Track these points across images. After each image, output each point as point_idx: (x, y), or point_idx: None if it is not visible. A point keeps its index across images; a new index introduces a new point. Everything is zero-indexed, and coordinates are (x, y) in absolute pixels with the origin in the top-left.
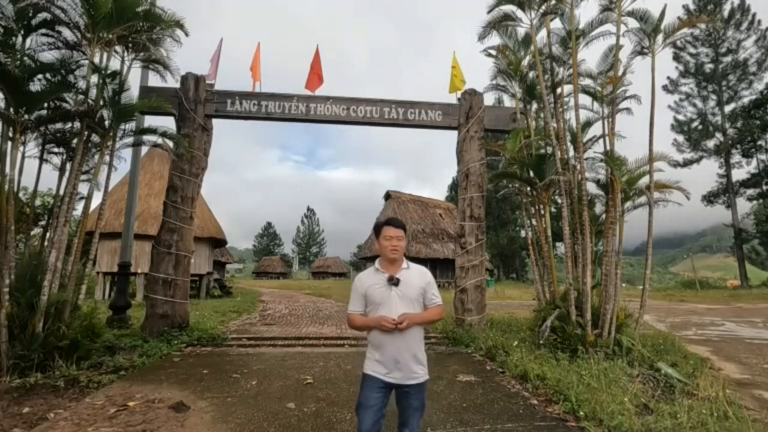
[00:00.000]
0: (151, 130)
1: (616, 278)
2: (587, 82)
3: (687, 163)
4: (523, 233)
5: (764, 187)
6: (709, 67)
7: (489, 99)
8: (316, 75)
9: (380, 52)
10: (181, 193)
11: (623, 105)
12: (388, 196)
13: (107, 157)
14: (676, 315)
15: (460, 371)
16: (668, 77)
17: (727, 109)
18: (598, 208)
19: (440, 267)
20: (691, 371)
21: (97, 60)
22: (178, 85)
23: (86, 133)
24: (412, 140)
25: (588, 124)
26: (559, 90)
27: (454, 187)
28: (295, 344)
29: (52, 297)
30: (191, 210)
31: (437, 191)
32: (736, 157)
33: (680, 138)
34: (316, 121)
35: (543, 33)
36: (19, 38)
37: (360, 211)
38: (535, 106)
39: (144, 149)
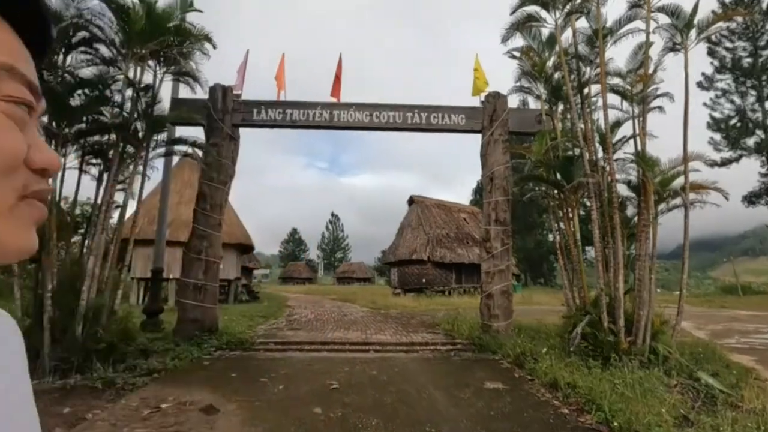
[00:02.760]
0: (182, 140)
1: (650, 283)
2: (616, 80)
3: (725, 163)
4: (550, 237)
5: None
6: (747, 61)
7: (513, 101)
8: (340, 82)
9: (400, 60)
10: (210, 201)
11: (654, 104)
12: (411, 201)
13: (141, 167)
14: (716, 322)
15: (487, 378)
16: (703, 73)
17: None
18: (630, 210)
19: (465, 272)
20: (735, 381)
21: (131, 74)
22: (206, 96)
23: (121, 144)
24: (433, 145)
25: (617, 124)
26: (586, 90)
27: (478, 191)
28: (320, 349)
29: (90, 302)
30: (219, 217)
31: (460, 196)
32: None
33: (717, 136)
34: (339, 127)
35: (568, 33)
36: (61, 56)
37: (383, 216)
38: (560, 107)
39: (176, 159)
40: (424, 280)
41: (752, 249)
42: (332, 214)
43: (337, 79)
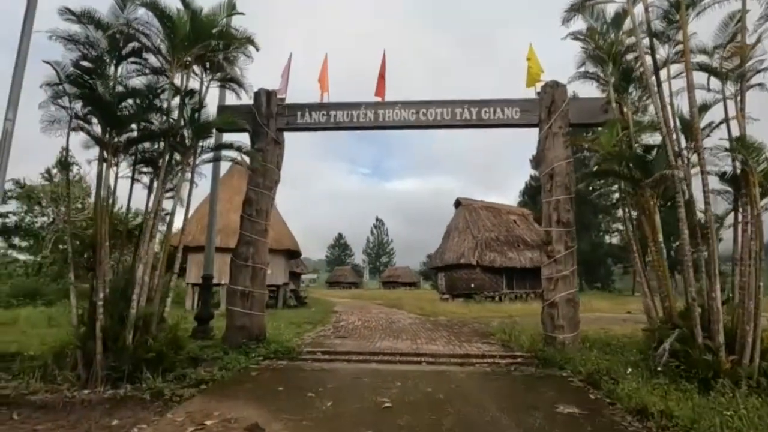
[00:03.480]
0: (227, 146)
1: (757, 291)
2: (700, 58)
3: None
4: (607, 239)
5: None
6: None
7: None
8: (384, 81)
9: (442, 60)
10: (256, 207)
11: (754, 80)
12: (458, 203)
13: (189, 174)
14: None
15: (559, 400)
16: (757, 69)
17: None
18: (722, 206)
19: (516, 277)
20: None
21: (177, 82)
22: (251, 102)
23: (169, 150)
24: (477, 146)
25: (704, 107)
26: (663, 72)
27: (526, 191)
28: (369, 360)
29: (140, 310)
30: (266, 223)
31: (507, 198)
32: None
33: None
34: (385, 127)
35: (638, 8)
36: (111, 68)
37: (428, 220)
38: (632, 93)
39: (225, 167)
40: (472, 285)
41: None
42: (377, 219)
43: (381, 77)
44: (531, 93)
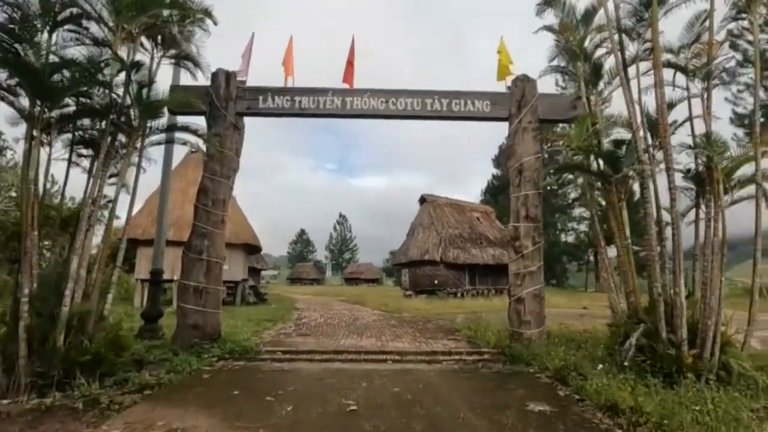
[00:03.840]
0: (179, 128)
1: (720, 286)
2: (666, 57)
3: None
4: (563, 237)
5: None
6: None
7: (542, 86)
8: (353, 68)
9: (416, 50)
10: (212, 196)
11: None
12: (423, 200)
13: (136, 158)
14: (760, 328)
15: (529, 398)
16: (724, 68)
17: None
18: (685, 202)
19: (479, 274)
20: None
21: (124, 56)
22: (208, 84)
23: (111, 130)
24: (443, 145)
25: (670, 105)
26: (632, 69)
27: (488, 190)
28: (333, 359)
29: (74, 307)
30: (222, 213)
31: (469, 196)
32: None
33: (740, 132)
34: (353, 115)
35: (609, 5)
36: (45, 35)
37: (392, 216)
38: (601, 89)
39: (179, 156)
40: (436, 282)
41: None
42: (340, 215)
43: (350, 64)
44: (502, 87)
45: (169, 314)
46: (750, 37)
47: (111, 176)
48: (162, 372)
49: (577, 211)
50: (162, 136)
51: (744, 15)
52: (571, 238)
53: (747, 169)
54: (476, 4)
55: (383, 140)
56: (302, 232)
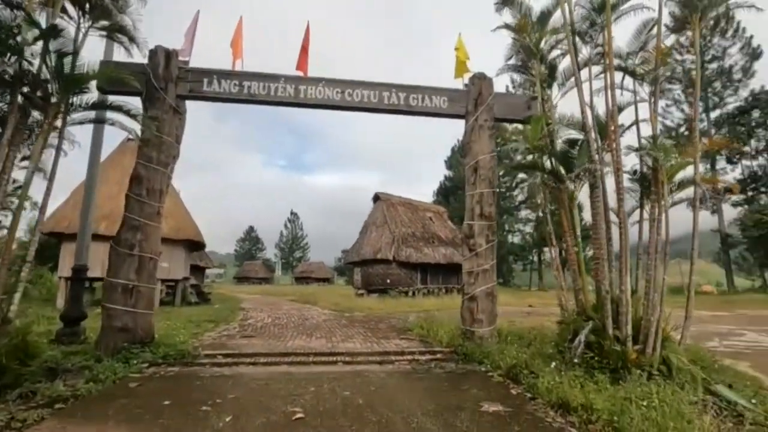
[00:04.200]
0: (108, 106)
1: (663, 284)
2: (617, 61)
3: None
4: (510, 238)
5: (749, 194)
6: (695, 73)
7: (500, 84)
8: (307, 55)
9: (377, 42)
10: (147, 185)
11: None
12: (377, 198)
13: (56, 140)
14: (676, 320)
15: (483, 398)
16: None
17: (713, 115)
18: (630, 203)
19: (431, 273)
20: (752, 395)
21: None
22: (146, 61)
23: (23, 105)
24: (396, 145)
25: (619, 109)
26: (584, 72)
27: (440, 191)
28: (279, 362)
29: None
30: (158, 205)
31: (422, 196)
32: (721, 164)
33: (668, 143)
34: (306, 105)
35: (558, 14)
36: None
37: (345, 215)
38: (555, 91)
39: (114, 141)
40: (388, 281)
41: (685, 251)
42: (291, 212)
43: (304, 50)
44: (459, 85)
45: (97, 316)
46: (677, 56)
47: (24, 159)
48: (80, 382)
49: (524, 213)
50: (87, 115)
51: (687, 26)
52: (517, 239)
53: (682, 174)
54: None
55: (337, 138)
56: (251, 229)
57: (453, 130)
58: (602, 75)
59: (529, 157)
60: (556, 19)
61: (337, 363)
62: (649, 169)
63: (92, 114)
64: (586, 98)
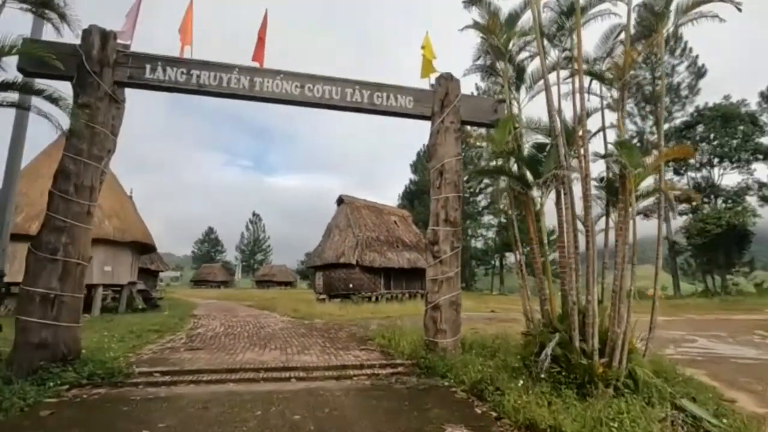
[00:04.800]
0: (19, 86)
1: (630, 295)
2: (584, 66)
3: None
4: (473, 242)
5: (693, 203)
6: (647, 88)
7: (469, 85)
8: (264, 45)
9: (338, 37)
10: (76, 181)
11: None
12: (341, 201)
13: None
14: (639, 329)
15: (446, 419)
16: (611, 96)
17: (664, 128)
18: (595, 210)
19: (394, 277)
20: (715, 408)
21: None
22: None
23: None
24: (361, 148)
25: (587, 114)
26: (552, 75)
27: (406, 195)
28: (225, 379)
29: None
30: (89, 204)
31: (386, 200)
32: (668, 174)
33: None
34: (261, 99)
35: (527, 16)
36: None
37: (308, 218)
38: (523, 94)
39: (49, 135)
40: (351, 286)
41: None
42: (253, 214)
43: (261, 40)
44: (426, 85)
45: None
46: (631, 72)
47: None
48: None
49: (486, 218)
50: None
51: (653, 33)
52: (480, 244)
53: (645, 183)
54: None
55: (302, 140)
56: (210, 230)
57: (419, 134)
58: (570, 79)
59: (494, 162)
60: (525, 21)
61: (291, 380)
62: (615, 176)
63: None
64: (554, 102)
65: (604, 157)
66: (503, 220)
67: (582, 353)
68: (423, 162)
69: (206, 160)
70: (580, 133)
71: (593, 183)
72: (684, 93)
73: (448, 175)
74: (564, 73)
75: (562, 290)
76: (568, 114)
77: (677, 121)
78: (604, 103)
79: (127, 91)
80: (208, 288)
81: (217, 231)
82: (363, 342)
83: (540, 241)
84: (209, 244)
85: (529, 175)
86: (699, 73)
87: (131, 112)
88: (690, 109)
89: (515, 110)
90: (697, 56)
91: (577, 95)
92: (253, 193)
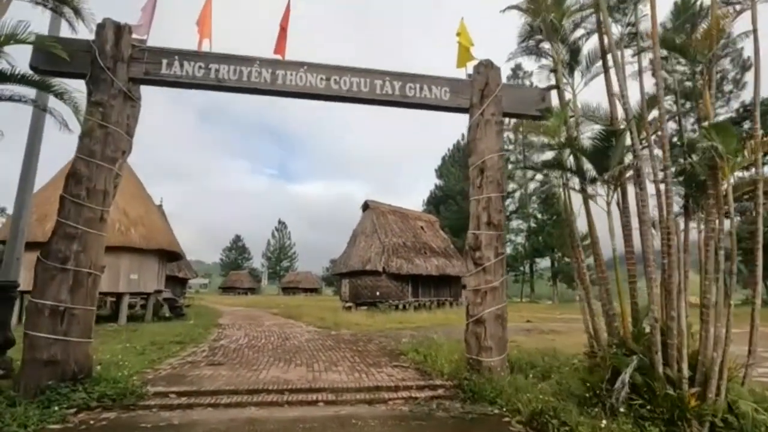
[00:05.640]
0: (19, 78)
1: (729, 311)
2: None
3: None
4: None
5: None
6: (687, 84)
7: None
8: (286, 36)
9: (371, 25)
10: (88, 185)
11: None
12: (366, 206)
13: None
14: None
15: None
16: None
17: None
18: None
19: (422, 285)
20: None
21: None
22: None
23: None
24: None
25: (653, 100)
26: (609, 56)
27: (431, 200)
28: (246, 402)
29: None
30: (102, 209)
31: (411, 206)
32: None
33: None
34: (284, 93)
35: None
36: None
37: (333, 224)
38: (577, 79)
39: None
40: (378, 293)
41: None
42: (279, 221)
43: (283, 31)
44: (462, 75)
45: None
46: (668, 67)
47: None
48: None
49: (515, 224)
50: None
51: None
52: (509, 250)
53: None
54: None
55: (325, 147)
56: (237, 238)
57: (443, 139)
58: (634, 58)
59: (546, 156)
60: None
61: (318, 403)
62: (703, 165)
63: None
64: (615, 86)
65: (688, 146)
66: (533, 224)
67: (667, 381)
68: (448, 167)
69: (233, 168)
70: (652, 117)
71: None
72: (728, 88)
73: (490, 173)
74: (628, 53)
75: (632, 304)
76: (634, 99)
77: (720, 118)
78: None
79: (160, 104)
80: (236, 295)
81: (244, 238)
82: (395, 357)
83: (595, 247)
84: (236, 252)
85: (590, 169)
86: (744, 65)
87: (163, 124)
88: (735, 104)
89: (568, 97)
90: (742, 48)
91: (659, 70)
92: (278, 201)
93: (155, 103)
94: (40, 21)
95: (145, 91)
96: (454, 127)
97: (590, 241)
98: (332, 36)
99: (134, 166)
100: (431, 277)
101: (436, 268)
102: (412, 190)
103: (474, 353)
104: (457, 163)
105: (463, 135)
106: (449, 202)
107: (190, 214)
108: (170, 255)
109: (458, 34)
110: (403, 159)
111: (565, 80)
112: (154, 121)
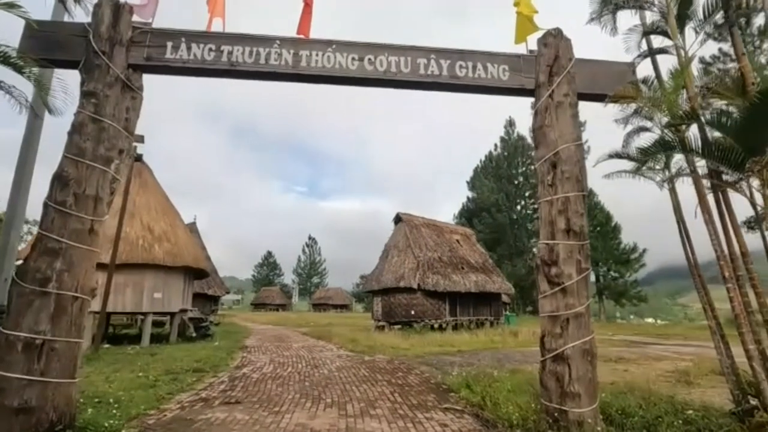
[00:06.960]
0: None
1: None
2: None
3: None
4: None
5: None
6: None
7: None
8: (311, 14)
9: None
10: (76, 189)
11: None
12: (398, 219)
13: None
14: None
15: None
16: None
17: None
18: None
19: (460, 303)
20: None
21: None
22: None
23: None
24: (413, 169)
25: None
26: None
27: (463, 213)
28: None
29: None
30: (93, 218)
31: (443, 221)
32: None
33: None
34: (309, 78)
35: None
36: None
37: (363, 240)
38: (692, 37)
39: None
40: (413, 312)
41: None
42: (309, 237)
43: (307, 7)
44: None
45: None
46: (720, 66)
47: None
48: None
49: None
50: None
51: None
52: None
53: None
54: None
55: (352, 165)
56: (269, 254)
57: (474, 150)
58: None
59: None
60: None
61: None
62: None
63: None
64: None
65: None
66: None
67: None
68: (481, 178)
69: (266, 187)
70: None
71: None
72: None
73: (566, 167)
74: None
75: None
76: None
77: None
78: None
79: (198, 126)
80: (267, 311)
81: (275, 255)
82: (444, 394)
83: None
84: (268, 268)
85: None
86: None
87: (203, 150)
88: None
89: (670, 64)
90: None
91: None
92: (308, 217)
93: (186, 120)
94: (42, 12)
95: (176, 113)
96: (484, 139)
97: (737, 255)
98: (363, 13)
99: (168, 185)
100: (470, 295)
101: (475, 284)
102: (441, 206)
103: (555, 400)
104: (490, 175)
105: (495, 145)
106: (482, 215)
107: (224, 231)
108: (197, 272)
109: (516, 3)
110: (432, 175)
111: (677, 41)
112: (187, 144)
